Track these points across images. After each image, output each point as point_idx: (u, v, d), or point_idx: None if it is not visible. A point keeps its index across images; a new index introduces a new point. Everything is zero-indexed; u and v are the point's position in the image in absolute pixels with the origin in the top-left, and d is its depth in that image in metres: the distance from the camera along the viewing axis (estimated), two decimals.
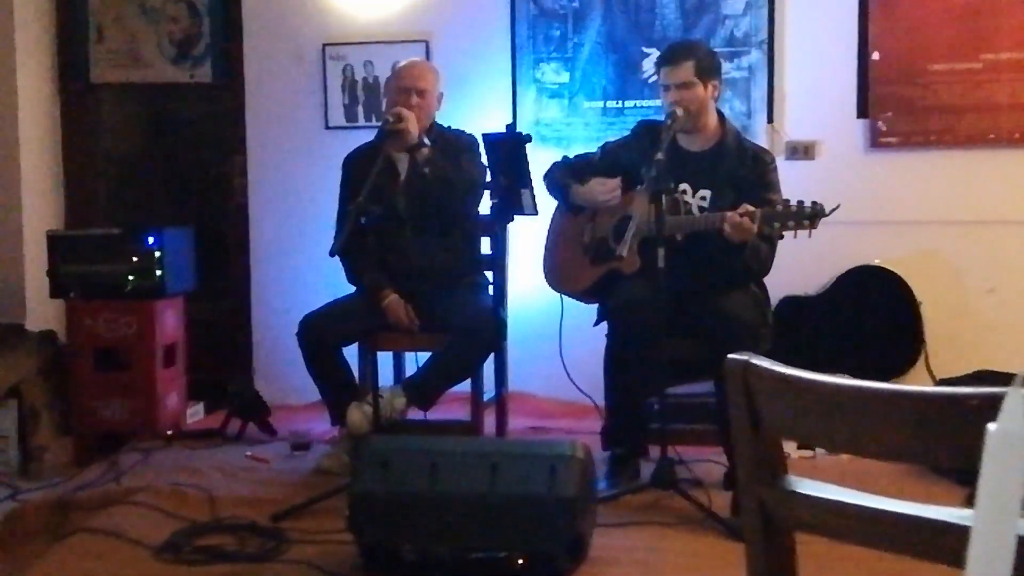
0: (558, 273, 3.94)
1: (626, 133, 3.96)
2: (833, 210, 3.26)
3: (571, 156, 4.01)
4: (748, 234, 3.32)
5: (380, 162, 3.59)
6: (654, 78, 4.43)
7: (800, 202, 3.31)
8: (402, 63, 4.11)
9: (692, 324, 3.49)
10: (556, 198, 3.92)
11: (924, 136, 4.68)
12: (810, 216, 3.28)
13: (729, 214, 3.34)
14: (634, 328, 3.50)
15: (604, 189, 3.73)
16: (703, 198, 3.62)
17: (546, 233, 4.00)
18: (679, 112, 3.51)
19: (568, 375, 4.02)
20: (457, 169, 3.87)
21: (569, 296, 3.93)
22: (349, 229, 3.43)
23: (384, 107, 4.19)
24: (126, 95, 5.44)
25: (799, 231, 3.31)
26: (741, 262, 3.47)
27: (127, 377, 4.47)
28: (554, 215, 3.98)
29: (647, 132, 3.75)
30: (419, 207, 3.93)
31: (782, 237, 3.42)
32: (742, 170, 3.61)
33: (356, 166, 4.00)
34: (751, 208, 3.33)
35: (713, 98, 3.66)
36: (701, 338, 3.50)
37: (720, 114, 3.74)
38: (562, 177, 3.87)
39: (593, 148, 4.06)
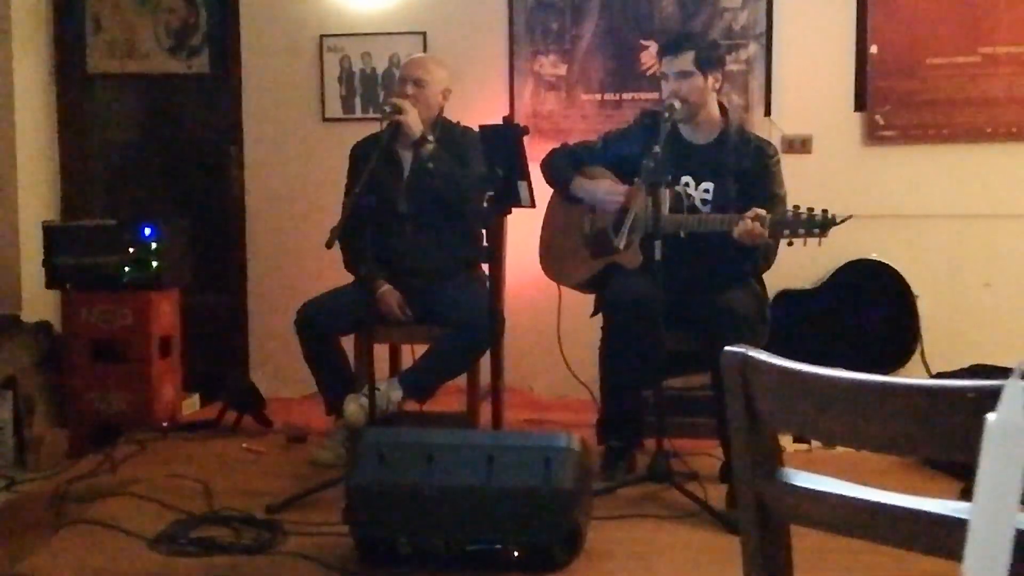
0: (557, 264, 3.91)
1: (626, 124, 3.94)
2: (844, 220, 3.24)
3: (571, 144, 3.97)
4: (759, 239, 3.31)
5: (375, 156, 3.58)
6: (652, 71, 4.42)
7: (810, 210, 3.27)
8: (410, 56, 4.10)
9: (689, 317, 3.48)
10: (553, 186, 3.88)
11: (922, 130, 4.69)
12: (820, 225, 3.25)
13: (739, 220, 3.31)
14: (630, 321, 3.49)
15: (608, 190, 3.71)
16: (706, 191, 3.60)
17: (542, 221, 3.96)
18: (676, 104, 3.50)
19: (567, 364, 4.02)
20: (463, 166, 3.86)
21: (566, 286, 3.91)
22: (343, 221, 3.42)
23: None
24: (123, 86, 5.42)
25: (809, 239, 3.28)
26: (751, 257, 3.46)
27: (123, 368, 4.46)
28: (551, 203, 3.94)
29: (650, 122, 3.73)
30: (421, 204, 3.92)
31: (791, 244, 3.36)
32: (745, 162, 3.59)
33: (360, 156, 3.99)
34: (762, 213, 3.30)
35: (714, 90, 3.64)
36: (698, 331, 3.49)
37: (723, 107, 3.71)
38: (564, 166, 3.84)
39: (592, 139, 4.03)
